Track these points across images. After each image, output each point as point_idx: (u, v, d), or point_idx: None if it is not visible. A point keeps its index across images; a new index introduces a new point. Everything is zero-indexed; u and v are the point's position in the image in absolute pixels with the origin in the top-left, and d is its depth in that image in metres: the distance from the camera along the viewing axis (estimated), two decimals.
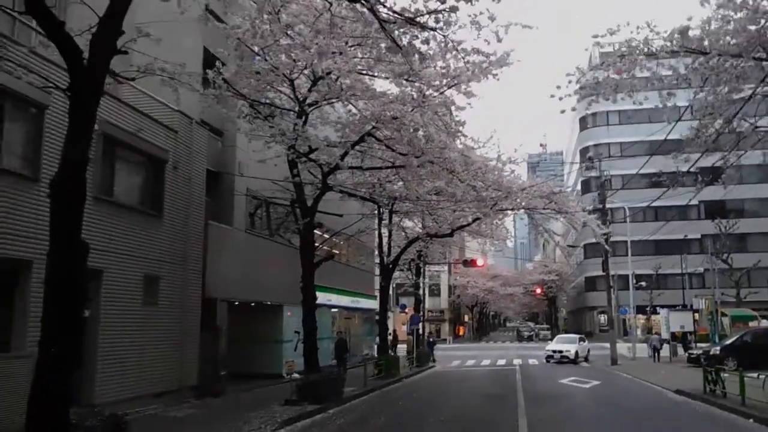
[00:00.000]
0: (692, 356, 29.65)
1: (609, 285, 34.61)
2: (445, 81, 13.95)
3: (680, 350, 35.64)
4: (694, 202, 69.19)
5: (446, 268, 70.77)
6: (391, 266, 25.66)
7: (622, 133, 66.53)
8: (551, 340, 69.27)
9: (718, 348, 26.89)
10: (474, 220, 22.62)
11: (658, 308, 58.10)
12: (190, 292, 15.49)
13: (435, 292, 71.41)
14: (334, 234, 18.18)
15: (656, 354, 35.55)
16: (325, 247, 27.63)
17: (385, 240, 25.99)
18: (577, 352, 32.76)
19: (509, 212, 23.79)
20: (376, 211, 19.54)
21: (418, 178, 15.09)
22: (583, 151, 70.12)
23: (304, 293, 16.27)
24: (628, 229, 40.73)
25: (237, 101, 14.89)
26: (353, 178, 18.30)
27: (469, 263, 36.20)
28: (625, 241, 41.50)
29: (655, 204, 51.38)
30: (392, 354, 26.26)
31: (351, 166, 15.85)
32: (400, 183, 20.54)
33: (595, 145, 68.71)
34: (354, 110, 14.44)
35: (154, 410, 13.47)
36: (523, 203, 18.48)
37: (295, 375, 17.06)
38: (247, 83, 14.03)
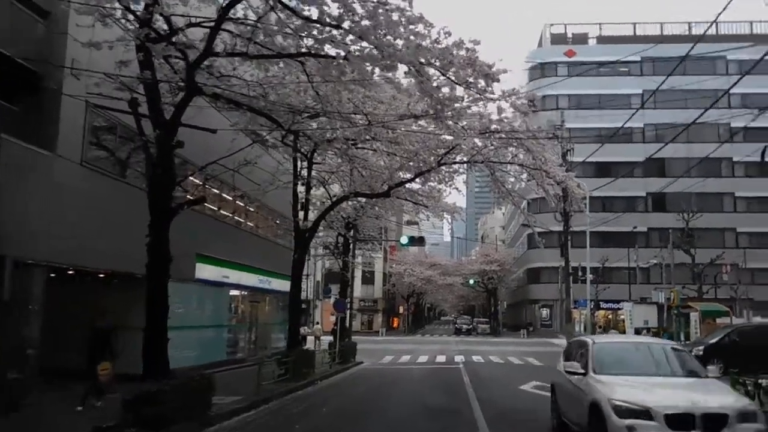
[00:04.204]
0: None
1: (568, 273, 29.93)
2: None
3: None
4: (642, 193, 66.75)
5: (381, 253, 65.47)
6: (308, 235, 19.85)
7: (572, 118, 62.98)
8: (490, 334, 65.23)
9: (701, 348, 22.38)
10: (418, 174, 17.03)
11: (602, 303, 55.26)
12: None
13: (369, 279, 65.95)
14: (206, 166, 12.05)
15: None
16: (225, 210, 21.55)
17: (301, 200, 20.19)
18: None
19: (461, 168, 18.27)
20: (264, 129, 13.40)
21: (338, 72, 9.25)
22: None
23: (150, 253, 10.32)
24: (587, 217, 35.69)
25: None
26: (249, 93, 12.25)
27: (416, 241, 30.97)
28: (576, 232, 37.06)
29: (602, 194, 48.03)
30: (306, 348, 20.47)
31: (231, 52, 9.90)
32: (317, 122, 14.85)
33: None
34: None
35: None
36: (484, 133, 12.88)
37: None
38: None
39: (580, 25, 75.03)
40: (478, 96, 9.26)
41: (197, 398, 10.42)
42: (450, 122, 10.32)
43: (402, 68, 9.17)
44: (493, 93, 9.24)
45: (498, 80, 8.75)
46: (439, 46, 8.32)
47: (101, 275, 14.60)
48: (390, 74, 9.01)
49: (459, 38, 8.56)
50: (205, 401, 10.72)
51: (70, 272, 13.57)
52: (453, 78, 8.69)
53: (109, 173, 13.99)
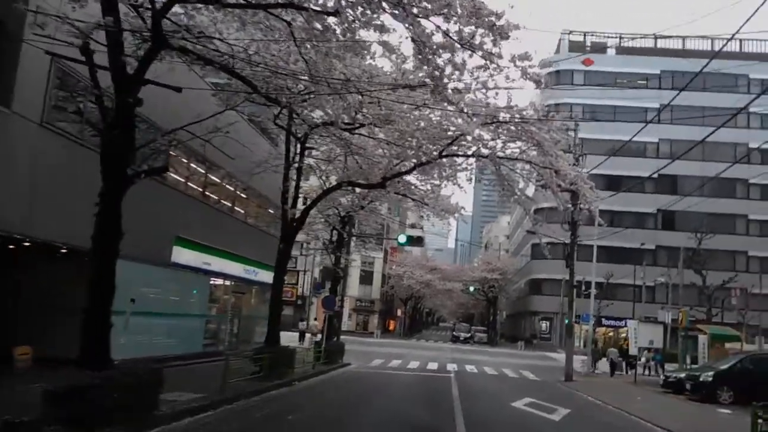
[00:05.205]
0: (669, 380, 23.75)
1: (572, 284, 28.45)
2: None
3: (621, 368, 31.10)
4: (652, 210, 64.97)
5: (382, 254, 64.11)
6: (296, 225, 18.55)
7: (586, 128, 61.34)
8: (487, 344, 63.41)
9: (711, 374, 21.01)
10: (417, 165, 15.68)
11: (603, 319, 53.86)
12: None
13: (367, 279, 64.52)
14: (173, 131, 10.63)
15: (612, 370, 30.54)
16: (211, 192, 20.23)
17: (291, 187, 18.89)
18: None
19: (465, 163, 16.87)
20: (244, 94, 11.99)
21: (323, 29, 7.93)
22: None
23: (98, 226, 9.00)
24: (596, 227, 33.95)
25: None
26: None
27: (414, 241, 29.80)
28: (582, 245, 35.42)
29: (610, 208, 46.48)
30: (286, 345, 19.13)
31: None
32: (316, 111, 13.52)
33: None
34: None
35: None
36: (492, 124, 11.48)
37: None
38: None
39: (599, 35, 73.38)
40: (484, 62, 7.88)
41: (142, 395, 9.09)
42: (450, 94, 8.94)
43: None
44: (501, 57, 7.85)
45: (507, 37, 7.38)
46: None
47: (63, 250, 13.28)
48: (382, 35, 7.70)
49: None
50: (151, 398, 9.40)
51: (27, 244, 12.28)
52: (454, 38, 7.33)
53: (74, 137, 12.66)
